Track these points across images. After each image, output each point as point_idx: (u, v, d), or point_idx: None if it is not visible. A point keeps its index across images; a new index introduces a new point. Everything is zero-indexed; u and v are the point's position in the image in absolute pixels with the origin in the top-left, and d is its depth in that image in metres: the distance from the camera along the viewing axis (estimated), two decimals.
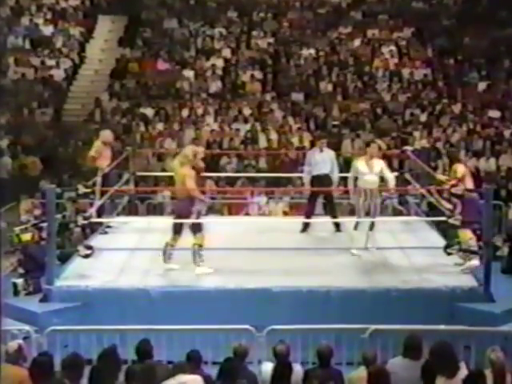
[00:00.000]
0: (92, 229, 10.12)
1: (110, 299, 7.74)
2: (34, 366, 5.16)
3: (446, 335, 6.35)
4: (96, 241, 9.30)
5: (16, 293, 8.26)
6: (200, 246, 8.21)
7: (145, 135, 15.27)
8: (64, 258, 8.77)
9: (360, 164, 8.83)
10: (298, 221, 10.19)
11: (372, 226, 8.86)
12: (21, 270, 8.59)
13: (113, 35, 18.82)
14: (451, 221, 8.33)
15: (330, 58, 17.43)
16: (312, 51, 17.54)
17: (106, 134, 10.06)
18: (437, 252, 8.54)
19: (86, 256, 8.38)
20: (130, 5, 19.11)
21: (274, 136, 15.13)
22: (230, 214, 12.36)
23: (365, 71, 17.07)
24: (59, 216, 9.54)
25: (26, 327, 6.89)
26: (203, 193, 8.40)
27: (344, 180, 9.84)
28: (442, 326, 6.86)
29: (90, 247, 8.48)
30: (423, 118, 15.75)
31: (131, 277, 8.21)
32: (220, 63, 17.30)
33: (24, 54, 17.51)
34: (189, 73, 16.98)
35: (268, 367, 5.70)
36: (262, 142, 15.05)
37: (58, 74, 17.16)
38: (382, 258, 8.74)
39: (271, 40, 18.05)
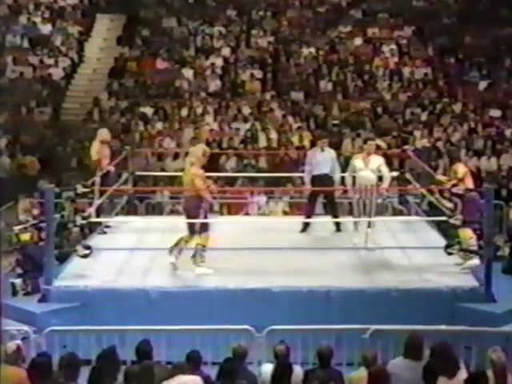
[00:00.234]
0: (91, 229, 10.12)
1: (108, 299, 7.74)
2: (33, 367, 5.16)
3: (446, 336, 6.35)
4: (95, 241, 9.31)
5: (14, 293, 8.26)
6: (203, 246, 8.21)
7: (144, 134, 15.27)
8: (62, 258, 8.76)
9: (357, 161, 9.01)
10: (298, 220, 10.19)
11: (369, 224, 8.87)
12: (19, 270, 8.58)
13: (111, 34, 18.81)
14: (452, 220, 8.33)
15: (329, 57, 17.42)
16: (312, 50, 17.54)
17: (104, 133, 10.05)
18: (437, 252, 8.55)
19: (85, 256, 8.38)
20: (129, 3, 19.10)
21: (273, 135, 15.13)
22: (230, 213, 12.36)
23: (365, 70, 17.07)
24: (58, 216, 9.53)
25: (25, 327, 6.89)
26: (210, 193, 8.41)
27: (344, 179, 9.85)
28: (443, 327, 6.86)
29: (88, 247, 8.48)
30: (424, 117, 15.76)
31: (130, 277, 8.20)
32: (219, 62, 17.29)
33: (22, 53, 17.51)
34: (188, 72, 16.98)
35: (268, 368, 5.69)
36: (262, 142, 15.05)
37: (57, 73, 17.16)
38: (382, 258, 8.74)
39: (271, 39, 18.05)
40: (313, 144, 14.79)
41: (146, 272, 8.36)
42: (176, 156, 14.43)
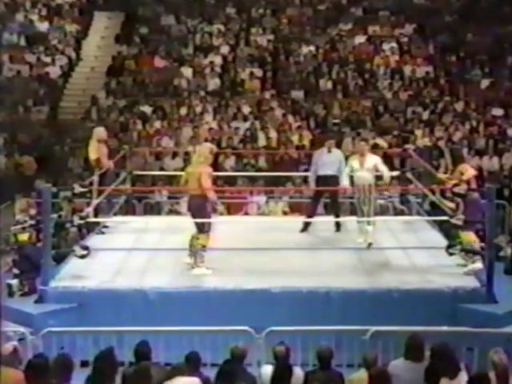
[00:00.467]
0: (88, 229, 10.12)
1: (106, 300, 7.75)
2: (29, 369, 5.16)
3: (448, 337, 6.35)
4: (92, 241, 9.31)
5: (11, 294, 8.25)
6: (203, 246, 8.22)
7: (142, 133, 15.27)
8: (60, 259, 8.76)
9: (354, 162, 9.14)
10: (298, 220, 10.19)
11: (369, 222, 8.92)
12: (16, 271, 8.58)
13: (109, 32, 18.81)
14: (453, 220, 8.33)
15: (330, 56, 17.42)
16: (312, 48, 17.53)
17: (100, 132, 10.03)
18: (439, 252, 8.55)
19: (82, 256, 8.38)
20: (127, 1, 19.10)
21: (273, 134, 15.13)
22: (229, 213, 12.36)
23: (365, 68, 17.07)
24: (55, 216, 9.53)
25: (21, 329, 6.89)
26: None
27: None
28: (444, 328, 6.87)
29: (86, 247, 8.48)
30: (425, 116, 15.76)
31: (128, 277, 8.21)
32: (218, 60, 17.29)
33: (19, 51, 17.50)
34: (187, 70, 16.98)
35: (268, 370, 5.70)
36: (262, 141, 15.05)
37: (54, 72, 17.15)
38: (382, 258, 8.74)
39: (270, 37, 18.05)
40: (313, 143, 14.87)
41: (144, 273, 8.36)
42: (175, 155, 14.43)
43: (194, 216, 8.23)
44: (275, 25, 18.52)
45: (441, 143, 14.69)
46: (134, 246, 9.18)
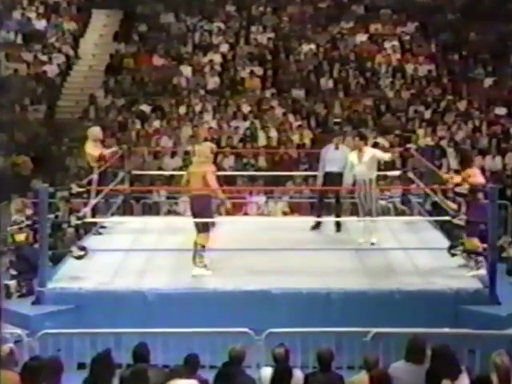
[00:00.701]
0: (86, 229, 10.11)
1: (104, 302, 7.74)
2: (25, 371, 5.15)
3: (449, 339, 6.35)
4: (90, 241, 9.30)
5: (9, 295, 8.25)
6: (203, 246, 8.22)
7: (141, 133, 15.27)
8: (56, 260, 8.76)
9: (352, 157, 9.24)
10: (297, 220, 10.20)
11: (369, 214, 9.03)
12: (13, 272, 8.58)
13: (108, 30, 18.81)
14: (455, 221, 8.32)
15: (331, 54, 17.42)
16: (313, 46, 17.53)
17: (95, 131, 10.02)
18: (441, 253, 8.54)
19: (80, 257, 8.38)
20: None
21: (273, 134, 15.13)
22: (228, 214, 12.35)
23: (367, 67, 17.07)
24: (52, 216, 9.53)
25: (18, 331, 6.89)
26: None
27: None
28: (446, 329, 6.87)
29: (83, 248, 8.48)
30: (427, 115, 15.75)
31: (126, 278, 8.21)
32: (218, 59, 17.29)
33: (16, 49, 17.49)
34: (186, 69, 16.98)
35: (267, 372, 5.69)
36: (262, 140, 15.05)
37: (52, 70, 17.15)
38: (384, 259, 8.74)
39: (271, 35, 18.04)
40: (313, 143, 14.87)
41: (142, 274, 8.36)
42: (174, 155, 14.43)
43: (197, 216, 8.22)
44: (276, 23, 18.52)
45: (443, 143, 14.70)
46: (132, 247, 9.18)
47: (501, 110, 15.71)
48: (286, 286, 7.90)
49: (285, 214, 12.58)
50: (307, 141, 14.93)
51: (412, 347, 5.52)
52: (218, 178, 8.42)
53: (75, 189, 8.78)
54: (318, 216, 9.95)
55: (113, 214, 10.49)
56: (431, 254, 8.70)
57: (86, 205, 9.27)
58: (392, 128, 15.27)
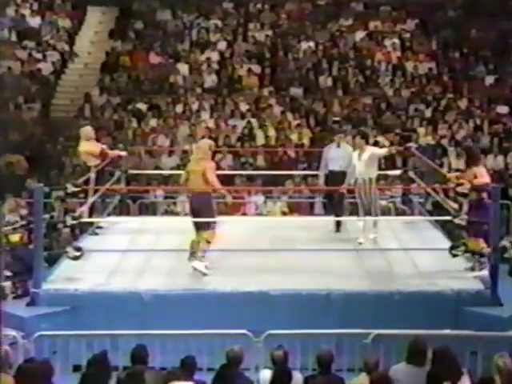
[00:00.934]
0: (81, 229, 10.11)
1: (100, 303, 7.74)
2: (20, 374, 5.14)
3: (451, 340, 6.35)
4: (85, 242, 9.30)
5: (3, 296, 8.23)
6: (208, 242, 8.24)
7: (137, 132, 15.26)
8: (52, 260, 8.76)
9: (354, 156, 9.35)
10: (297, 220, 10.20)
11: (369, 214, 9.09)
12: (8, 273, 8.57)
13: (103, 27, 18.79)
14: (457, 221, 8.32)
15: (330, 52, 17.41)
16: (311, 44, 17.53)
17: (87, 131, 10.02)
18: (442, 254, 8.54)
19: (75, 258, 8.38)
20: None
21: (272, 132, 15.13)
22: (226, 214, 12.36)
23: (366, 65, 17.07)
24: (47, 216, 9.52)
25: (13, 332, 6.87)
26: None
27: None
28: (447, 331, 6.87)
29: (79, 249, 8.47)
30: (428, 113, 15.76)
31: (122, 279, 8.21)
32: (215, 56, 17.28)
33: (10, 47, 17.45)
34: (183, 66, 16.97)
35: (266, 374, 5.70)
36: (260, 139, 15.05)
37: (46, 68, 17.13)
38: (384, 260, 8.75)
39: (269, 32, 18.03)
40: (312, 142, 14.88)
41: (138, 274, 8.36)
42: (171, 154, 14.43)
43: (198, 214, 8.23)
44: (274, 20, 18.50)
45: (444, 142, 14.71)
46: (128, 247, 9.18)
47: (502, 109, 15.72)
48: (285, 286, 7.91)
49: (284, 213, 12.58)
50: (306, 140, 14.93)
51: (413, 349, 5.53)
52: (217, 176, 8.41)
53: (71, 188, 8.78)
54: (337, 215, 9.94)
55: (109, 214, 10.48)
56: (432, 255, 8.70)
57: (81, 205, 9.26)
58: (392, 127, 15.28)
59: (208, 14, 18.50)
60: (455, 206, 8.91)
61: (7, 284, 8.32)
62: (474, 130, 15.16)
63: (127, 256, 8.83)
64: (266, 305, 7.70)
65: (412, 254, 8.82)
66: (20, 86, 16.55)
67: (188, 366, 5.62)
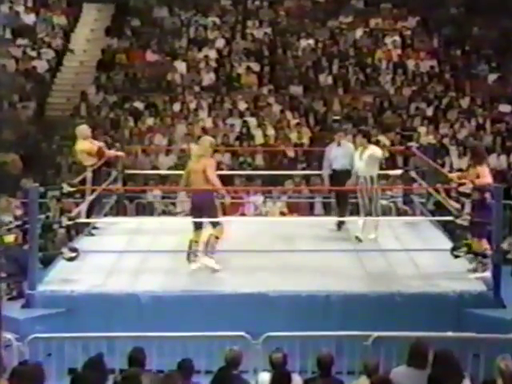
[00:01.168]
0: (77, 230, 10.11)
1: (96, 305, 7.73)
2: (14, 377, 5.13)
3: (453, 343, 6.36)
4: (81, 243, 9.29)
5: None
6: (217, 238, 8.29)
7: (134, 131, 15.26)
8: (47, 261, 8.75)
9: (356, 155, 9.43)
10: (296, 220, 10.20)
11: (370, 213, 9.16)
12: (2, 274, 8.56)
13: (99, 24, 18.80)
14: (459, 221, 8.32)
15: (330, 49, 17.43)
16: (311, 42, 17.54)
17: (84, 130, 10.01)
18: (443, 254, 8.54)
19: (71, 259, 8.37)
20: None
21: (271, 132, 15.13)
22: (225, 214, 12.35)
23: (367, 63, 17.08)
24: (42, 216, 9.51)
25: (7, 335, 6.86)
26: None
27: None
28: (449, 333, 6.86)
29: (75, 249, 8.46)
30: (429, 112, 15.78)
31: (119, 281, 8.20)
32: (213, 54, 17.29)
33: (4, 45, 17.46)
34: (180, 64, 16.98)
35: (265, 377, 5.70)
36: (259, 138, 15.05)
37: (41, 66, 17.13)
38: (385, 261, 8.75)
39: (268, 30, 18.05)
40: (312, 141, 14.89)
41: (136, 276, 8.36)
42: (168, 153, 14.43)
43: (201, 212, 8.27)
44: (272, 17, 18.53)
45: (445, 141, 14.72)
46: (125, 248, 9.18)
47: (505, 107, 15.75)
48: (284, 288, 7.91)
49: (283, 214, 12.58)
50: (306, 139, 14.93)
51: (414, 352, 5.53)
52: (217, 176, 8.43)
53: (66, 188, 8.77)
54: (341, 216, 9.98)
55: (106, 215, 10.47)
56: (434, 256, 8.70)
57: (77, 205, 9.26)
58: (393, 126, 15.30)
59: (206, 11, 18.52)
60: (457, 205, 8.90)
61: (2, 285, 8.30)
62: (476, 129, 15.18)
63: (124, 257, 8.82)
64: (265, 306, 7.70)
65: (413, 254, 8.82)
66: (15, 84, 16.55)
67: (185, 369, 5.63)
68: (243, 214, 12.52)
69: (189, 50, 17.45)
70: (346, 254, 8.86)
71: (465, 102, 16.04)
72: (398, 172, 11.20)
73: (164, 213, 12.78)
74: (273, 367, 5.71)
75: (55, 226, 9.25)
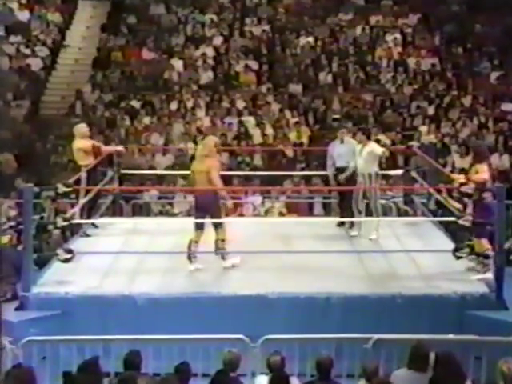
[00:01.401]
0: (72, 231, 10.10)
1: (92, 307, 7.74)
2: (7, 380, 5.13)
3: (454, 345, 6.37)
4: (77, 244, 9.30)
5: None
6: (223, 240, 8.34)
7: (130, 130, 15.26)
8: (42, 263, 8.75)
9: (357, 149, 9.55)
10: (295, 221, 10.21)
11: (367, 209, 9.30)
12: None
13: (95, 22, 18.80)
14: (461, 222, 8.33)
15: (329, 47, 17.44)
16: (310, 39, 17.55)
17: (82, 129, 10.03)
18: (445, 255, 8.56)
19: (66, 260, 8.37)
20: None
21: (269, 131, 15.14)
22: (226, 215, 12.36)
23: (367, 61, 17.10)
24: (37, 217, 9.51)
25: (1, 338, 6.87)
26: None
27: None
28: (451, 336, 6.88)
29: (70, 251, 8.47)
30: (431, 111, 15.79)
31: (115, 282, 8.20)
32: (211, 52, 17.30)
33: None
34: (177, 63, 16.98)
35: (263, 380, 5.71)
36: (257, 138, 15.06)
37: (36, 64, 17.13)
38: (385, 262, 8.75)
39: (266, 27, 18.06)
40: (311, 140, 14.89)
41: (132, 277, 8.36)
42: (165, 153, 14.43)
43: (205, 213, 8.33)
44: (271, 14, 18.54)
45: (447, 140, 14.72)
46: (121, 249, 9.18)
47: (508, 106, 15.75)
48: (283, 290, 7.91)
49: (282, 214, 12.58)
50: (305, 138, 14.94)
51: (415, 354, 5.53)
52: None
53: (61, 188, 8.76)
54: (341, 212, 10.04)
55: (102, 215, 10.48)
56: (435, 257, 8.71)
57: (72, 205, 9.26)
58: (394, 124, 15.31)
59: (203, 8, 18.53)
60: (459, 206, 8.91)
61: None
62: (478, 128, 15.18)
63: (120, 258, 8.83)
64: (264, 309, 7.70)
65: (414, 255, 8.83)
66: (8, 82, 16.54)
67: (183, 372, 5.63)
68: (241, 215, 12.52)
69: (186, 47, 17.46)
70: (346, 255, 8.88)
71: (467, 101, 16.05)
72: (399, 172, 11.20)
73: (161, 213, 12.79)
74: (270, 370, 5.72)
75: (50, 227, 9.26)
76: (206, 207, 8.33)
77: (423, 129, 15.07)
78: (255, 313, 7.63)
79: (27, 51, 17.34)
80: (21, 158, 14.61)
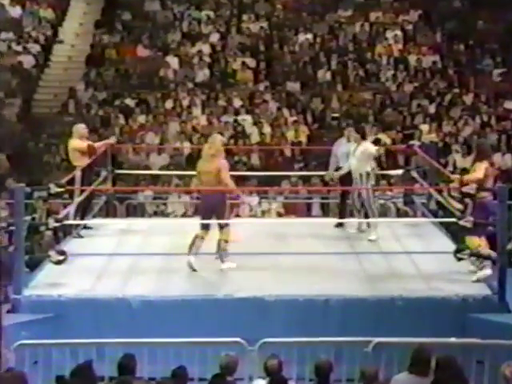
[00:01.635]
0: (65, 232, 10.09)
1: (85, 310, 7.73)
2: None
3: (456, 349, 6.36)
4: (69, 245, 9.29)
5: None
6: (226, 241, 8.36)
7: (124, 129, 15.27)
8: (33, 265, 8.74)
9: (352, 148, 9.57)
10: (294, 221, 10.22)
11: (364, 210, 9.34)
12: None
13: (88, 18, 18.79)
14: (462, 222, 8.33)
15: (328, 44, 17.45)
16: (309, 36, 17.56)
17: (81, 128, 10.03)
18: (446, 257, 8.55)
19: (59, 262, 8.35)
20: None
21: (267, 130, 15.15)
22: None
23: (367, 58, 17.11)
24: (28, 218, 9.50)
25: None
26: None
27: None
28: (453, 339, 6.87)
29: (62, 252, 8.45)
30: (432, 109, 15.81)
31: (109, 285, 8.19)
32: (207, 49, 17.30)
33: None
34: (173, 60, 16.98)
35: None
36: (254, 137, 15.06)
37: (28, 61, 17.12)
38: (385, 264, 8.76)
39: (264, 24, 18.06)
40: (309, 139, 14.90)
41: (126, 279, 8.35)
42: (160, 152, 14.43)
43: (213, 213, 8.36)
44: (269, 11, 18.53)
45: (448, 139, 14.73)
46: (115, 251, 9.16)
47: (510, 104, 15.77)
48: (281, 292, 7.90)
49: (279, 215, 12.59)
50: (303, 137, 14.95)
51: (416, 358, 5.52)
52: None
53: (54, 188, 8.75)
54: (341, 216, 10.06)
55: (95, 216, 10.47)
56: (436, 258, 8.71)
57: (65, 206, 9.25)
58: (394, 123, 15.32)
59: (199, 5, 18.53)
60: (459, 206, 8.91)
61: None
62: (480, 127, 15.21)
63: (114, 260, 8.81)
64: (261, 311, 7.70)
65: (415, 257, 8.83)
66: (0, 79, 16.53)
67: (179, 376, 5.62)
68: (238, 216, 12.52)
69: (182, 44, 17.46)
70: (345, 257, 8.88)
71: (469, 99, 16.06)
72: (399, 172, 11.21)
73: (155, 214, 12.79)
74: (268, 374, 5.71)
75: (42, 228, 9.24)
76: (214, 207, 8.37)
77: (424, 127, 15.08)
78: (253, 315, 7.63)
79: (19, 48, 17.33)
80: (13, 158, 14.61)
